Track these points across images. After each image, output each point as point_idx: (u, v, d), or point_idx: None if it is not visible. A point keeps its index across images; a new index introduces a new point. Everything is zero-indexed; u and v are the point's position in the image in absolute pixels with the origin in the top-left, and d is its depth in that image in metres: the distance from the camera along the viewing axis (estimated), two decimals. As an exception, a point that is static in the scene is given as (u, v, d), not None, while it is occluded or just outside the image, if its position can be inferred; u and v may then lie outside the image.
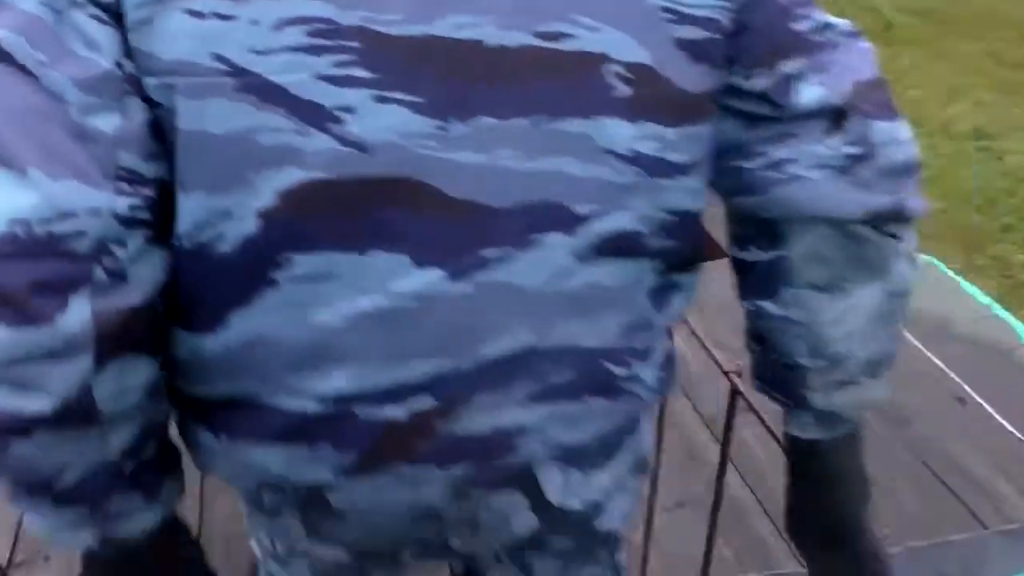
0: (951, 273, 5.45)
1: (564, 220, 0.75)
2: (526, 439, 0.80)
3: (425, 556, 0.99)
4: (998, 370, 4.35)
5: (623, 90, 0.73)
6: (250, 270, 0.73)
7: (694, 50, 0.75)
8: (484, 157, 0.72)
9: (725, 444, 1.34)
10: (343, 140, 0.69)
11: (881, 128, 0.80)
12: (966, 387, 2.84)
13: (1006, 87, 10.77)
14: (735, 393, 1.18)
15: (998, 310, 4.94)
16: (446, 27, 0.69)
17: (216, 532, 2.38)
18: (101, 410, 0.67)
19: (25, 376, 0.64)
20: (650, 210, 0.78)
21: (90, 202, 0.64)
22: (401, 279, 0.73)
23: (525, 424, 0.80)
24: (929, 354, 2.99)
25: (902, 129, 0.82)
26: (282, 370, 0.75)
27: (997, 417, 2.70)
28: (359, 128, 0.69)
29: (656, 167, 0.76)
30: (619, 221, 0.77)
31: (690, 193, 0.81)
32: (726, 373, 1.18)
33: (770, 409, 1.04)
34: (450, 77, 0.70)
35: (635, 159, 0.75)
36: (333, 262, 0.72)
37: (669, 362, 0.92)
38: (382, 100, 0.69)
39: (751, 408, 1.12)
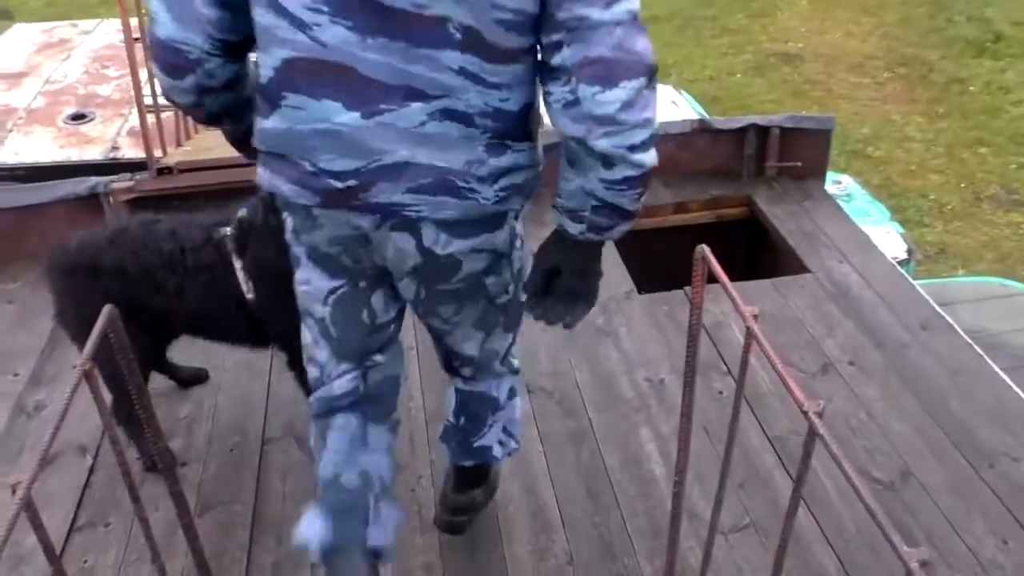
0: (1048, 303, 5.19)
1: (423, 97, 1.46)
2: (409, 209, 1.54)
3: (360, 264, 1.71)
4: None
5: (457, 36, 1.41)
6: (270, 97, 1.54)
7: (506, 25, 1.42)
8: (382, 58, 1.43)
9: (798, 484, 1.26)
10: (314, 40, 1.44)
11: (587, 88, 1.38)
12: (1058, 430, 2.65)
13: (1122, 109, 10.20)
14: (813, 435, 1.10)
15: (1097, 348, 4.67)
16: None
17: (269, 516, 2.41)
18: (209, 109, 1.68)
19: (174, 93, 1.62)
20: (476, 102, 1.48)
21: (193, 39, 1.51)
22: (338, 115, 1.48)
23: (407, 203, 1.53)
24: (1018, 390, 2.81)
25: (609, 94, 1.38)
26: (292, 146, 1.54)
27: (1091, 466, 2.52)
28: (321, 34, 1.44)
29: (475, 79, 1.46)
30: (454, 104, 1.48)
31: (502, 99, 1.51)
32: (805, 413, 1.10)
33: (844, 446, 1.02)
34: (371, 16, 1.40)
35: (461, 72, 1.45)
36: (304, 101, 1.50)
37: (516, 188, 1.61)
38: (334, 22, 1.42)
39: (831, 453, 1.04)
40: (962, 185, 8.71)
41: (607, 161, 1.44)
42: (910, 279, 3.52)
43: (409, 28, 1.40)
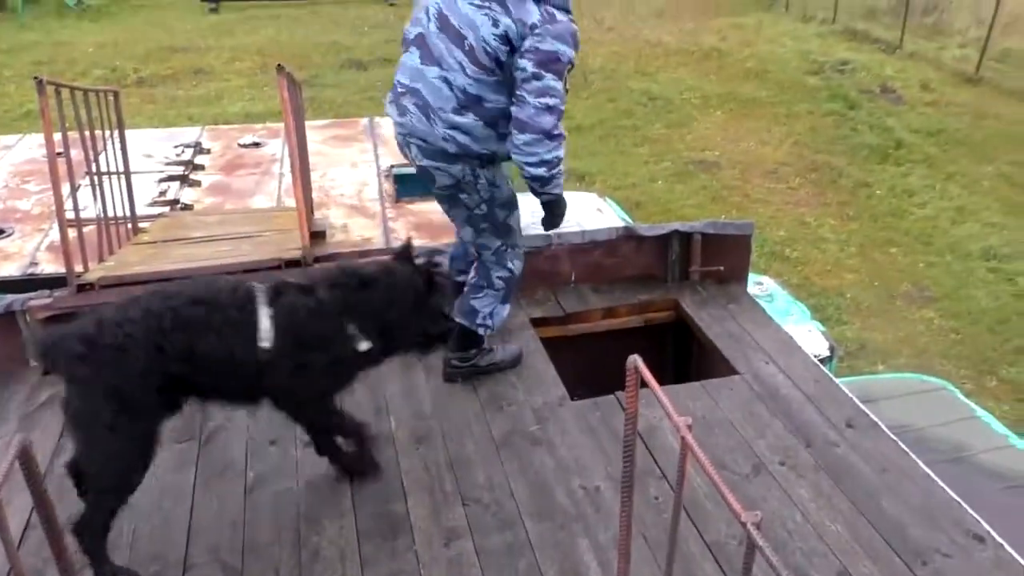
0: (965, 398, 5.36)
1: (458, 85, 3.05)
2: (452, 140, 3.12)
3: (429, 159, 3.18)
4: (1018, 505, 4.21)
5: (465, 48, 3.02)
6: (405, 47, 3.22)
7: (498, 44, 2.96)
8: (442, 46, 3.05)
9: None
10: (420, 27, 3.15)
11: (513, 131, 3.02)
12: (985, 524, 2.70)
13: (1017, 209, 10.84)
14: (752, 547, 1.09)
15: (1015, 440, 4.82)
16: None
17: None
18: None
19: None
20: (460, 82, 3.03)
21: None
22: (421, 66, 3.10)
23: (454, 132, 3.10)
24: (943, 486, 2.86)
25: (519, 136, 3.00)
26: (399, 77, 3.22)
27: (1019, 559, 2.56)
28: (420, 27, 3.14)
29: (464, 71, 3.03)
30: (478, 90, 3.03)
31: (471, 86, 3.04)
32: (744, 525, 1.10)
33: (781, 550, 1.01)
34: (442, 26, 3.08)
35: (461, 67, 3.05)
36: (409, 56, 3.16)
37: (466, 146, 3.11)
38: (428, 22, 3.12)
39: (769, 563, 1.03)
40: (876, 283, 9.09)
41: (520, 163, 3.06)
42: (834, 378, 3.61)
43: (453, 35, 3.03)
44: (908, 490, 2.84)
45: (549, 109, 2.94)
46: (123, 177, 4.49)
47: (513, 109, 2.99)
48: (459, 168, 3.13)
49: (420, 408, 3.28)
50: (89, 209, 4.15)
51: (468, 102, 3.04)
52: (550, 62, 2.92)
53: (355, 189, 5.76)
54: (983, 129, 12.92)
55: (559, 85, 2.97)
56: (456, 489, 2.83)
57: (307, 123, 5.43)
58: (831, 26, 18.20)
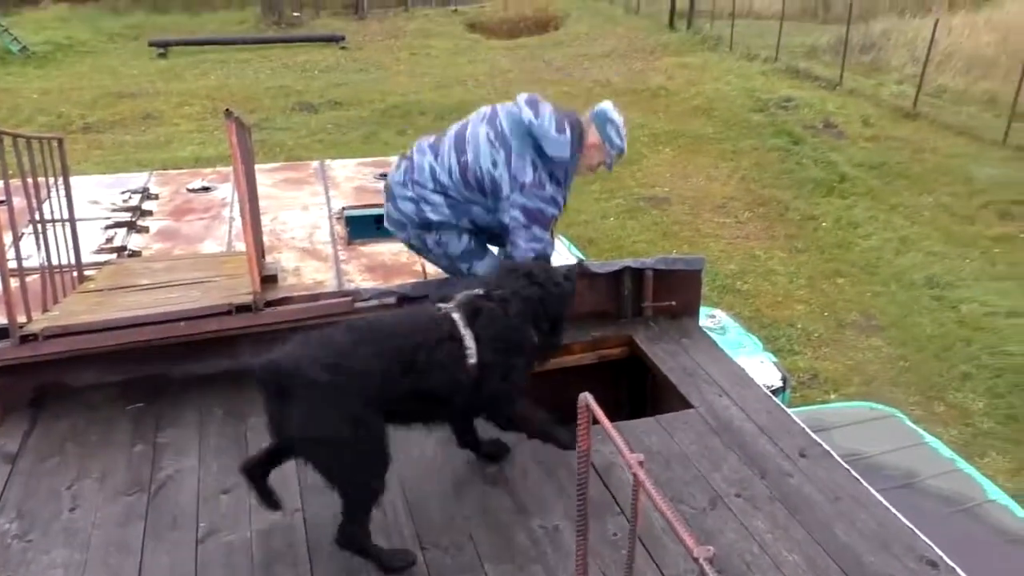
0: (913, 425, 5.47)
1: (439, 179, 3.67)
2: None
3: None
4: (967, 529, 4.29)
5: (460, 160, 3.66)
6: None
7: (486, 178, 3.62)
8: (447, 146, 3.70)
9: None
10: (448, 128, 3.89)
11: (511, 235, 3.67)
12: (937, 549, 2.74)
13: (956, 238, 11.20)
14: (703, 582, 1.10)
15: (962, 464, 4.92)
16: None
17: None
18: None
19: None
20: (461, 195, 3.66)
21: None
22: (426, 147, 3.75)
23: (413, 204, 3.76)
24: (896, 512, 2.91)
25: (517, 250, 3.64)
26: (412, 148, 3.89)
27: (970, 583, 2.60)
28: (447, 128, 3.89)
29: (463, 187, 3.69)
30: (453, 190, 3.65)
31: (471, 201, 3.71)
32: (696, 560, 1.11)
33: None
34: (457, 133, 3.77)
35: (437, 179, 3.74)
36: (426, 137, 3.86)
37: (408, 216, 3.75)
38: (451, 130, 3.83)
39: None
40: (825, 314, 9.27)
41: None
42: (786, 409, 3.66)
43: (460, 150, 3.66)
44: (861, 518, 2.88)
45: (535, 251, 3.62)
46: (68, 224, 4.42)
47: (508, 247, 3.70)
48: (404, 235, 3.83)
49: (376, 452, 3.24)
50: (33, 258, 4.07)
51: (439, 190, 3.63)
52: (538, 217, 3.62)
53: (307, 232, 5.73)
54: (922, 162, 13.35)
55: (546, 235, 3.68)
56: (414, 533, 2.79)
57: (257, 166, 5.41)
58: (774, 64, 18.75)
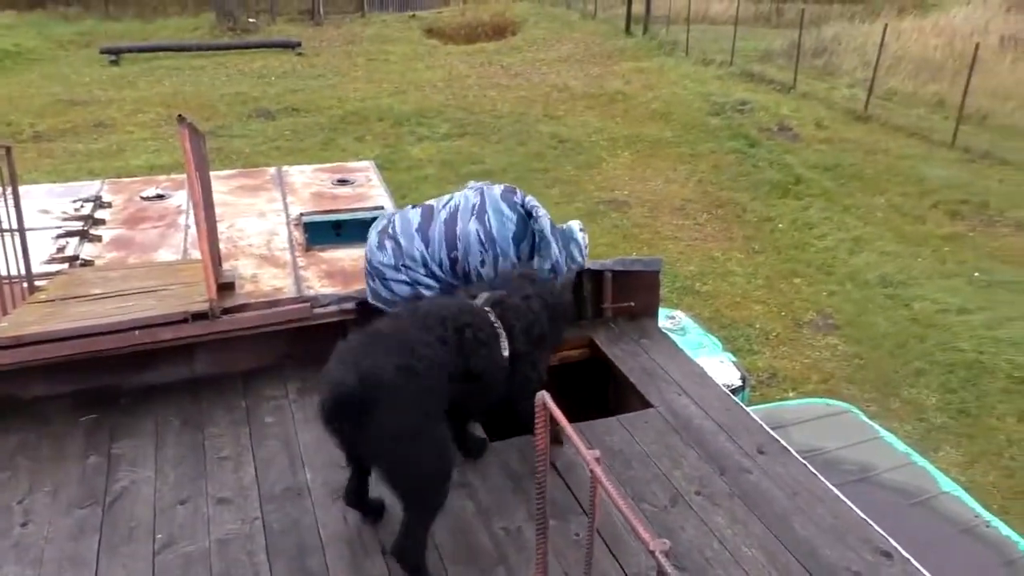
0: (869, 420, 5.57)
1: (431, 269, 3.65)
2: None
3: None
4: (921, 521, 4.37)
5: (451, 255, 3.65)
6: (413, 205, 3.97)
7: (476, 268, 3.65)
8: (437, 235, 3.67)
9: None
10: (435, 201, 3.86)
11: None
12: (892, 541, 2.79)
13: (909, 238, 11.42)
14: (662, 574, 1.11)
15: (916, 458, 5.02)
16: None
17: None
18: None
19: None
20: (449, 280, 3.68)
21: None
22: (414, 232, 3.69)
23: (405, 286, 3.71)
24: (851, 506, 2.96)
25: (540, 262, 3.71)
26: (395, 220, 3.81)
27: (924, 573, 2.66)
28: (435, 201, 3.85)
29: (452, 277, 3.67)
30: (445, 277, 3.66)
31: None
32: (652, 552, 1.12)
33: None
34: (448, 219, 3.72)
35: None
36: (412, 212, 3.79)
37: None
38: (442, 206, 3.80)
39: (674, 590, 1.05)
40: (783, 313, 9.39)
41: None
42: (744, 406, 3.71)
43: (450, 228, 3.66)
44: (818, 512, 2.92)
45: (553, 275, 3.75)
46: (17, 234, 4.33)
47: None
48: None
49: (336, 458, 3.21)
50: (-19, 268, 3.98)
51: (430, 275, 3.67)
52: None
53: (264, 239, 5.67)
54: (874, 163, 13.60)
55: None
56: (375, 539, 2.78)
57: (213, 173, 5.34)
58: (729, 68, 18.99)
